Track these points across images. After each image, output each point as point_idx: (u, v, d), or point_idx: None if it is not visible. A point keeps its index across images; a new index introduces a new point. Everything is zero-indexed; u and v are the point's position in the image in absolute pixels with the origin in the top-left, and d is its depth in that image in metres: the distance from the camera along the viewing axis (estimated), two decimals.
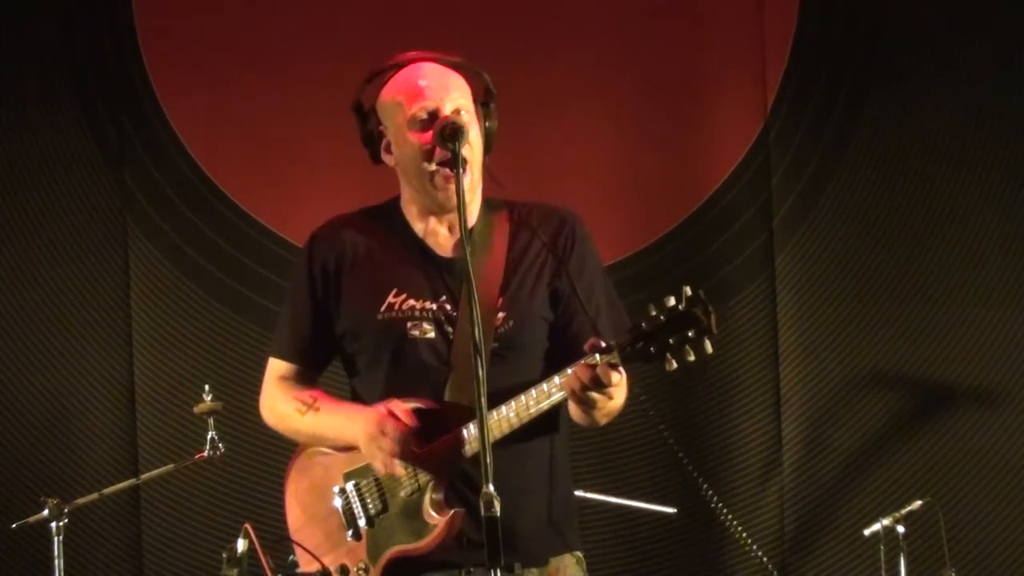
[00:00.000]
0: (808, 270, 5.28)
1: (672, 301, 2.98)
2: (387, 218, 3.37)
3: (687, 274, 5.17)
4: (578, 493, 4.51)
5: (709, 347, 2.98)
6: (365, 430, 3.23)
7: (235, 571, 3.65)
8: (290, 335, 3.42)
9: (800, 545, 5.26)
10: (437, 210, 3.29)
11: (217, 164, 5.39)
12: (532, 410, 3.15)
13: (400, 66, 3.29)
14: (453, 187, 3.13)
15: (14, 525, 4.55)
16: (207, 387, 4.61)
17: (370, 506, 3.29)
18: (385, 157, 3.35)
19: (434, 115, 3.22)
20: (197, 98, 5.38)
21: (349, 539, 3.31)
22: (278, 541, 3.44)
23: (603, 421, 3.26)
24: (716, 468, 5.24)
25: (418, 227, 3.33)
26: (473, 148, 3.24)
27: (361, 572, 3.28)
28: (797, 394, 5.27)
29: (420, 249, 3.32)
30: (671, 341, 2.97)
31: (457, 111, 3.23)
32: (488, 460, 2.89)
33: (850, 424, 5.26)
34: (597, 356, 3.03)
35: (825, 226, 5.28)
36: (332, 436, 3.35)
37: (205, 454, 4.59)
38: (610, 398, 3.11)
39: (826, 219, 5.28)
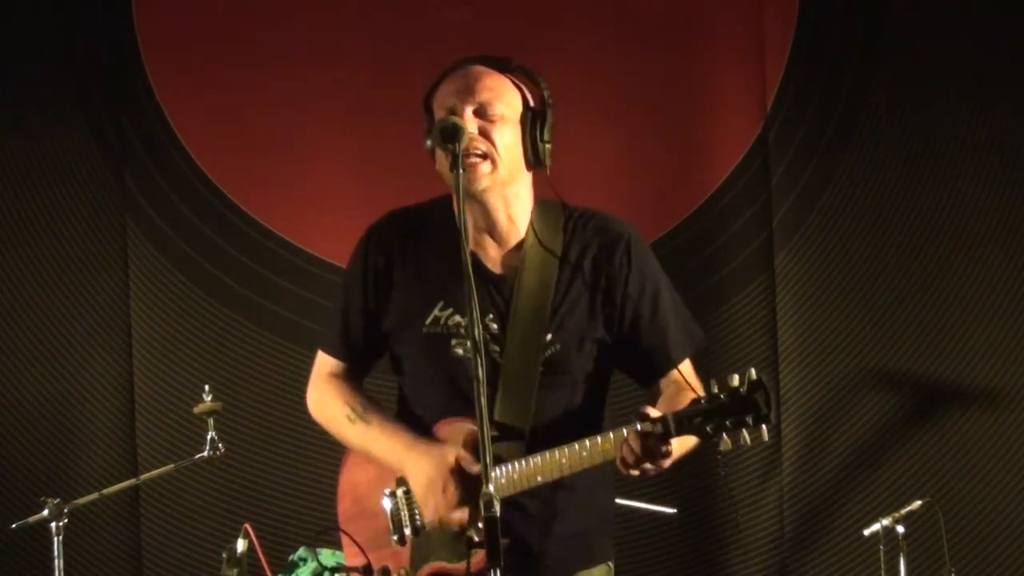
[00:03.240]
0: (808, 270, 5.28)
1: (735, 381, 2.99)
2: (442, 221, 3.34)
3: (687, 274, 5.17)
4: None
5: (766, 434, 3.01)
6: (425, 471, 3.22)
7: (235, 571, 3.65)
8: (340, 331, 3.41)
9: (800, 545, 5.26)
10: (465, 197, 3.20)
11: (217, 164, 5.39)
12: (585, 463, 3.14)
13: (453, 70, 3.29)
14: (468, 173, 3.15)
15: (14, 525, 4.56)
16: (207, 387, 4.61)
17: (418, 518, 3.28)
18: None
19: (453, 113, 3.22)
20: (197, 98, 5.38)
21: (394, 542, 3.30)
22: (327, 531, 3.43)
23: None
24: (716, 468, 5.24)
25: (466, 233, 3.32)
26: (498, 144, 3.22)
27: None
28: (797, 394, 5.27)
29: (471, 262, 3.30)
30: (728, 423, 2.99)
31: (481, 111, 3.22)
32: (489, 460, 2.88)
33: (850, 424, 5.25)
34: (651, 425, 3.04)
35: (824, 226, 5.28)
36: (380, 457, 3.33)
37: (205, 454, 4.59)
38: (660, 469, 3.11)
39: (825, 219, 5.28)
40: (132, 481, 4.83)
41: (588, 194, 5.12)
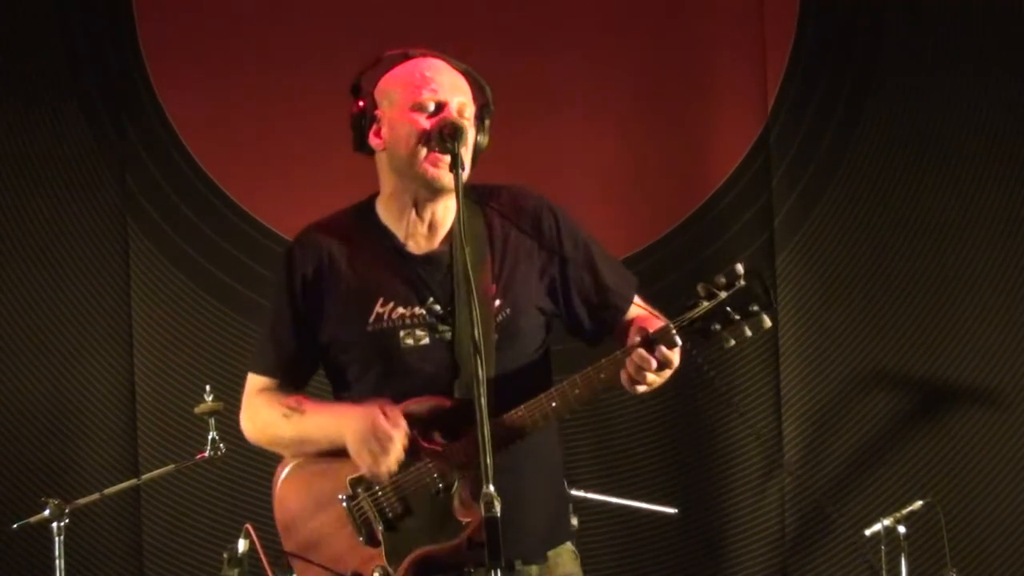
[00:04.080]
0: (808, 270, 5.28)
1: (724, 279, 3.02)
2: (363, 220, 3.33)
3: (688, 274, 5.17)
4: (578, 493, 4.54)
5: (767, 322, 3.03)
6: (355, 429, 3.16)
7: (236, 571, 3.66)
8: (272, 349, 3.34)
9: (801, 545, 5.26)
10: (426, 193, 3.23)
11: (217, 163, 5.39)
12: (585, 397, 3.13)
13: (409, 57, 3.29)
14: (444, 170, 3.16)
15: (15, 525, 4.56)
16: (208, 387, 4.61)
17: (388, 510, 3.21)
18: (373, 141, 3.29)
19: (440, 107, 3.22)
20: (197, 97, 5.39)
21: (363, 546, 3.22)
22: (280, 558, 3.37)
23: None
24: (717, 468, 5.25)
25: (394, 226, 3.29)
26: (468, 149, 3.24)
27: None
28: (797, 394, 5.27)
29: (397, 251, 3.27)
30: (735, 317, 3.02)
31: (461, 111, 3.24)
32: (489, 460, 2.87)
33: (851, 424, 5.26)
34: (660, 339, 3.05)
35: (825, 226, 5.28)
36: (319, 437, 3.25)
37: (206, 454, 4.59)
38: (663, 380, 3.13)
39: (826, 219, 5.28)
40: (133, 481, 4.83)
41: (589, 193, 5.17)
